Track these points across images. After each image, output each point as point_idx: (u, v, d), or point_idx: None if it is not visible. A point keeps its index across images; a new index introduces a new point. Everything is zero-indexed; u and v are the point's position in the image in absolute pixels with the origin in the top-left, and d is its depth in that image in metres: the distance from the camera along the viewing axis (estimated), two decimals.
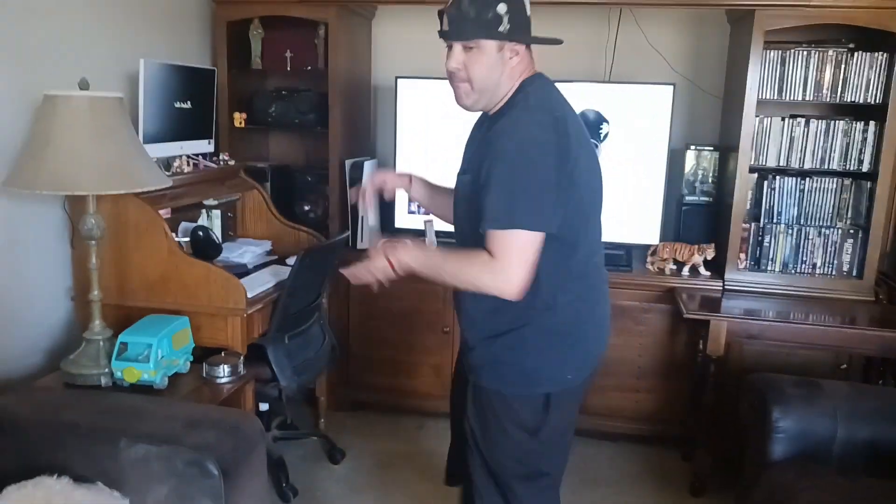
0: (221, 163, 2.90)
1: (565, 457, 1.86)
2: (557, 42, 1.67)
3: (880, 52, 2.69)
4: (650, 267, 3.00)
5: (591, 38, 3.25)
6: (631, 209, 3.02)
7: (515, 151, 1.52)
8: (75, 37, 2.41)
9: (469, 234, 1.63)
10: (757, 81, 2.74)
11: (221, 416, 1.79)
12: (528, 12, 1.61)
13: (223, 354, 2.23)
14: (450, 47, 1.61)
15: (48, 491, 1.53)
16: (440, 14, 1.60)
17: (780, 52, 2.76)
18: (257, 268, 2.75)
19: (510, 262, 1.51)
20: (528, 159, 1.52)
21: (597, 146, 3.01)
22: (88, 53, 2.47)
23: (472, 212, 1.60)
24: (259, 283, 2.49)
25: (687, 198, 3.08)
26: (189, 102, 2.77)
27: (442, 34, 1.61)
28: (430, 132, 3.13)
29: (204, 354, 2.24)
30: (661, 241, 3.02)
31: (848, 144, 2.79)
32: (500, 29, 1.56)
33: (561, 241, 1.59)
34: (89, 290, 2.13)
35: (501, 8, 1.54)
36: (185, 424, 1.70)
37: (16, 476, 1.58)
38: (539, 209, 1.52)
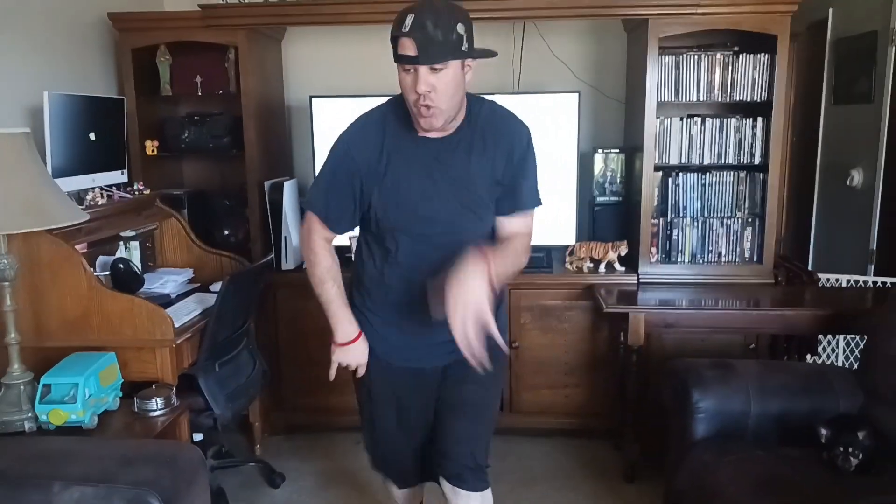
0: (136, 192, 2.84)
1: None
2: (494, 54, 1.74)
3: (762, 54, 2.91)
4: (569, 266, 3.13)
5: (499, 52, 3.34)
6: (547, 212, 3.12)
7: (530, 142, 1.81)
8: None
9: (472, 231, 1.79)
10: (655, 85, 2.91)
11: (158, 449, 1.76)
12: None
13: (154, 387, 2.19)
14: (411, 70, 1.61)
15: None
16: (394, 39, 1.61)
17: (674, 56, 2.94)
18: (180, 297, 2.70)
19: (531, 234, 1.88)
20: (531, 145, 1.82)
21: None
22: None
23: (482, 208, 1.79)
24: (184, 312, 2.46)
25: (598, 198, 3.23)
26: (98, 133, 2.70)
27: (407, 59, 1.59)
28: None
29: (133, 389, 2.19)
30: (577, 241, 3.15)
31: (740, 140, 3.00)
32: (463, 48, 1.62)
33: None
34: (6, 334, 2.05)
35: (461, 28, 1.60)
36: (120, 462, 1.67)
37: None
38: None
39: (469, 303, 1.54)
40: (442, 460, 1.90)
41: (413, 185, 1.75)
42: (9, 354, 2.05)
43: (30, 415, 1.99)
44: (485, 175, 1.76)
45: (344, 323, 1.86)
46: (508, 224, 1.83)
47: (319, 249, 1.84)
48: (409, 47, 1.58)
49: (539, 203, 1.86)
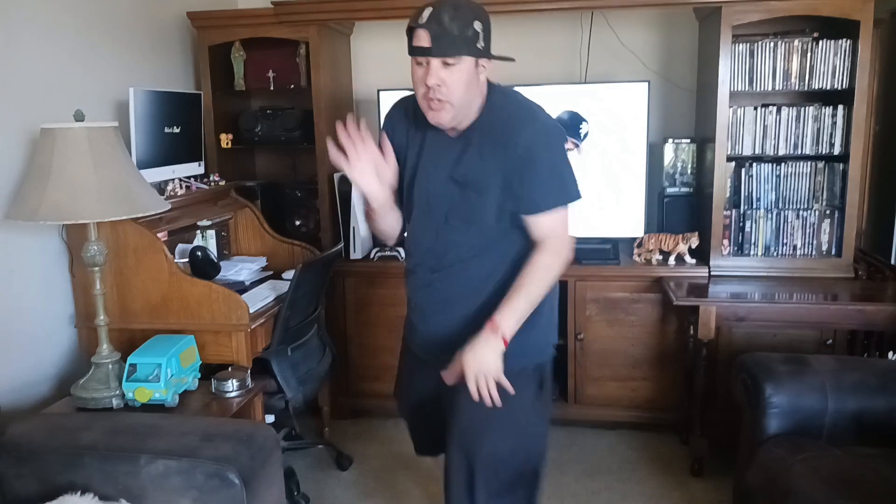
0: (212, 184, 2.96)
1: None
2: (511, 59, 1.74)
3: (844, 39, 2.80)
4: (637, 258, 3.09)
5: (566, 42, 3.34)
6: (615, 204, 3.11)
7: (550, 137, 1.71)
8: (63, 69, 2.46)
9: (475, 229, 1.74)
10: (728, 74, 2.84)
11: (235, 427, 1.84)
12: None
13: (230, 370, 2.28)
14: (423, 64, 1.62)
15: None
16: (409, 31, 1.63)
17: (748, 44, 2.86)
18: (254, 284, 2.80)
19: (565, 233, 1.74)
20: (557, 140, 1.75)
21: (577, 145, 3.10)
22: (77, 84, 2.52)
23: (486, 207, 1.71)
24: (259, 299, 2.55)
25: (668, 189, 3.17)
26: (178, 126, 2.82)
27: (420, 51, 1.61)
28: None
29: (210, 371, 2.29)
30: (645, 232, 3.11)
31: (819, 129, 2.89)
32: (479, 45, 1.62)
33: None
34: (94, 316, 2.18)
35: (478, 25, 1.61)
36: (201, 438, 1.75)
37: (40, 499, 1.62)
38: (575, 181, 1.74)
39: (481, 372, 1.63)
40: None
41: (425, 174, 1.78)
42: (98, 335, 2.17)
43: (117, 392, 2.11)
44: (495, 174, 1.70)
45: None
46: (535, 225, 1.73)
47: None
48: (423, 38, 1.59)
49: (562, 202, 1.72)
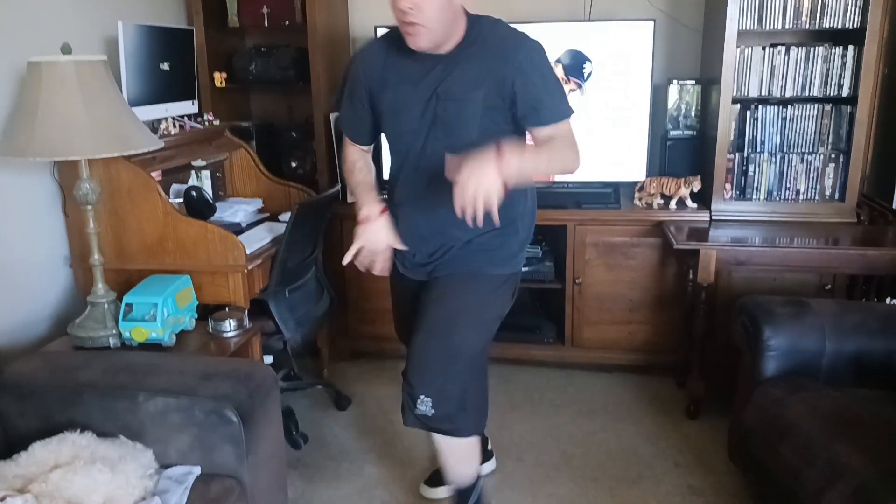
0: (206, 123, 2.89)
1: None
2: None
3: None
4: (638, 203, 3.06)
5: None
6: (616, 146, 3.06)
7: (541, 56, 1.78)
8: (50, 1, 2.37)
9: (458, 143, 1.79)
10: (737, 12, 2.75)
11: (234, 366, 1.84)
12: None
13: (227, 310, 2.27)
14: None
15: (73, 445, 1.58)
16: None
17: None
18: (250, 225, 2.77)
19: (576, 141, 1.82)
20: (547, 60, 1.81)
21: (580, 85, 3.03)
22: (64, 18, 2.43)
23: (492, 123, 1.79)
24: (256, 240, 2.52)
25: (671, 132, 3.12)
26: (169, 64, 2.74)
27: None
28: None
29: (207, 312, 2.28)
30: (647, 176, 3.06)
31: (828, 70, 2.83)
32: None
33: None
34: (89, 256, 2.15)
35: None
36: (199, 377, 1.75)
37: (40, 435, 1.63)
38: (565, 94, 1.85)
39: (478, 186, 1.55)
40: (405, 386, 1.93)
41: (409, 99, 1.83)
42: (93, 274, 2.15)
43: (114, 331, 2.10)
44: (478, 88, 1.76)
45: (369, 201, 1.92)
46: (539, 136, 1.82)
47: (349, 154, 2.04)
48: None
49: (565, 115, 1.81)
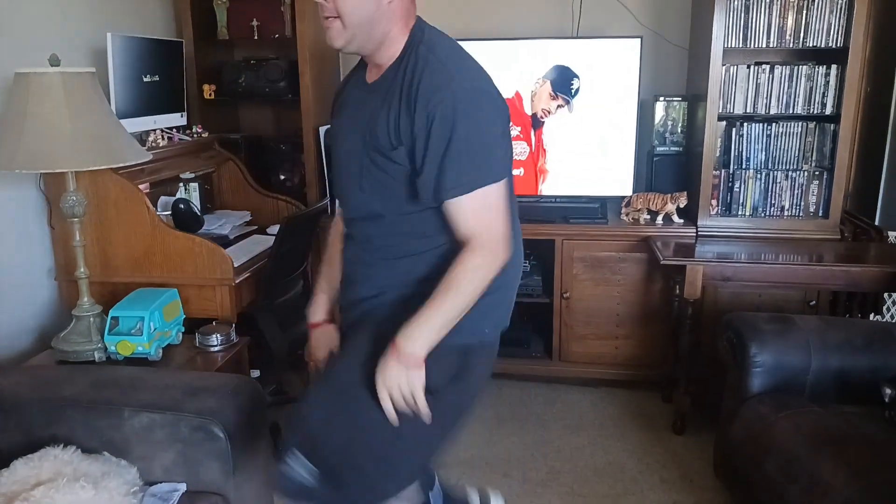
0: (195, 135, 2.89)
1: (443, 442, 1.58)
2: None
3: None
4: (625, 218, 3.08)
5: None
6: (604, 161, 3.08)
7: (466, 106, 1.36)
8: (38, 12, 2.36)
9: (391, 206, 1.47)
10: (722, 30, 2.79)
11: (220, 381, 1.82)
12: None
13: (214, 324, 2.26)
14: None
15: (56, 461, 1.56)
16: None
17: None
18: (239, 238, 2.76)
19: (493, 224, 1.40)
20: (475, 108, 1.37)
21: (568, 101, 3.05)
22: (52, 29, 2.43)
23: (394, 179, 1.44)
24: (244, 253, 2.51)
25: (658, 148, 3.14)
26: (158, 75, 2.74)
27: None
28: None
29: (194, 326, 2.27)
30: (634, 192, 3.08)
31: (811, 88, 2.86)
32: None
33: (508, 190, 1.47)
34: (74, 268, 2.13)
35: None
36: (185, 392, 1.73)
37: (22, 452, 1.60)
38: (496, 156, 1.42)
39: (394, 390, 1.38)
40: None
41: (339, 126, 1.57)
42: (79, 288, 2.14)
43: (99, 345, 2.08)
44: (402, 141, 1.40)
45: (315, 302, 1.75)
46: (451, 215, 1.41)
47: (334, 223, 1.74)
48: None
49: (468, 188, 1.37)
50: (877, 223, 3.17)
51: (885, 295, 2.93)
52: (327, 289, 1.74)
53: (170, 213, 2.52)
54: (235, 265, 2.35)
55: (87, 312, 2.11)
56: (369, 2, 1.39)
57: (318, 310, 1.74)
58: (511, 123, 1.54)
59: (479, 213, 1.39)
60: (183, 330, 2.25)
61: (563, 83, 3.04)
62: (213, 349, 2.18)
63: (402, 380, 1.39)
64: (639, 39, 3.01)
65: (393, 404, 1.40)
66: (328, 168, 3.12)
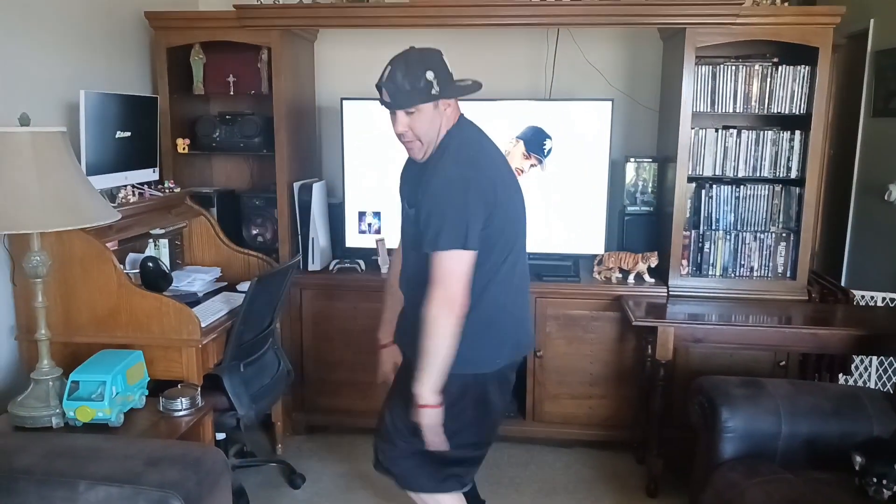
0: (167, 191, 2.87)
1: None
2: (478, 87, 1.96)
3: (803, 66, 2.85)
4: (597, 276, 3.09)
5: (532, 58, 3.34)
6: (576, 220, 3.12)
7: (448, 184, 1.84)
8: (10, 68, 2.35)
9: (413, 259, 1.96)
10: (691, 95, 2.87)
11: (183, 450, 1.77)
12: (450, 68, 1.89)
13: (179, 387, 2.20)
14: (393, 113, 1.88)
15: None
16: (378, 87, 1.87)
17: (710, 66, 2.89)
18: (207, 295, 2.72)
19: (448, 281, 1.81)
20: (452, 191, 1.82)
21: (541, 161, 3.09)
22: (25, 84, 2.41)
23: (416, 239, 1.89)
24: (211, 312, 2.47)
25: (629, 208, 3.19)
26: (131, 131, 2.73)
27: (386, 105, 1.88)
28: (376, 152, 3.15)
29: (159, 387, 2.21)
30: (605, 250, 3.11)
31: (777, 153, 2.94)
32: (433, 92, 1.84)
33: (488, 252, 1.88)
34: (35, 329, 2.07)
35: (430, 75, 1.83)
36: (145, 462, 1.68)
37: None
38: (460, 233, 1.79)
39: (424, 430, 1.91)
40: None
41: (404, 202, 2.05)
42: (38, 350, 2.07)
43: (57, 411, 2.01)
44: (417, 204, 1.91)
45: (382, 324, 2.26)
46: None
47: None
48: (385, 95, 1.86)
49: (435, 248, 1.81)
50: (843, 283, 3.22)
51: (854, 356, 2.96)
52: (390, 317, 2.20)
53: (138, 271, 2.48)
54: (203, 325, 2.31)
55: (47, 376, 2.05)
56: (436, 120, 1.88)
57: (385, 333, 2.24)
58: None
59: (441, 269, 1.81)
60: (146, 393, 2.18)
61: (536, 143, 3.09)
62: (177, 414, 2.12)
63: (419, 418, 1.87)
64: (610, 102, 3.07)
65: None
66: (301, 221, 3.13)
